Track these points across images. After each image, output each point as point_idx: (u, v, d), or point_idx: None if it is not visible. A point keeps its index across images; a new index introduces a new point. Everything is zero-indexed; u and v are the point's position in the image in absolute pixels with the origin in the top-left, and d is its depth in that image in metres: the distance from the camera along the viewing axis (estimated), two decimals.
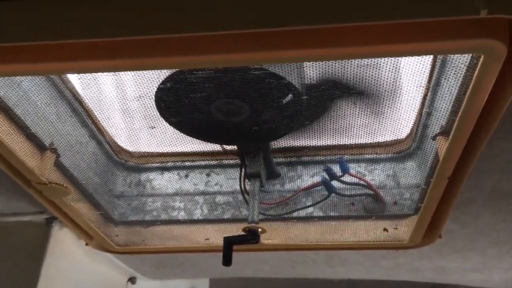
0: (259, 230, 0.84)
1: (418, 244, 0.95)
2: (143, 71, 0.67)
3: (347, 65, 0.67)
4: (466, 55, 0.54)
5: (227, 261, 0.80)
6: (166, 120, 0.75)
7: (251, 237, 0.83)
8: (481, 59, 0.50)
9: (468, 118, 0.59)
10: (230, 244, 0.81)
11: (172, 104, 0.70)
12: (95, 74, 0.72)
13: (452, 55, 0.61)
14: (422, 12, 0.46)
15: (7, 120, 0.67)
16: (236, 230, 0.92)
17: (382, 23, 0.48)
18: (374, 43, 0.49)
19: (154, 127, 0.78)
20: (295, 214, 0.94)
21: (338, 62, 0.66)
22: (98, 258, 1.31)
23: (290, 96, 0.68)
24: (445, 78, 0.67)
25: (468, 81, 0.56)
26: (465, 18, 0.46)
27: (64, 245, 1.16)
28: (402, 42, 0.49)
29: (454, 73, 0.61)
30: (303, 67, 0.69)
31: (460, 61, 0.58)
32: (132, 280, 1.59)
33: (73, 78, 0.76)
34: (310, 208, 0.93)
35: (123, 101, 0.80)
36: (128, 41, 0.49)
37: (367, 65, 0.68)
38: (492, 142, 0.65)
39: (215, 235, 0.99)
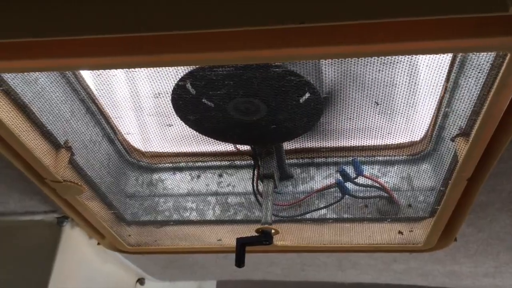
0: (272, 231, 0.83)
1: (433, 247, 0.94)
2: (160, 69, 0.67)
3: (365, 64, 0.67)
4: (491, 53, 0.53)
5: (240, 262, 0.80)
6: (182, 119, 0.75)
7: (264, 238, 0.82)
8: (508, 57, 0.49)
9: (491, 119, 0.58)
10: (243, 245, 0.81)
11: (190, 102, 0.70)
12: (109, 72, 0.72)
13: (473, 54, 0.60)
14: (448, 9, 0.45)
15: (23, 117, 0.67)
16: (248, 231, 0.91)
17: (406, 20, 0.47)
18: (398, 40, 0.48)
19: (172, 125, 0.78)
20: (308, 216, 0.93)
21: (356, 60, 0.65)
22: (108, 258, 1.31)
23: (307, 94, 0.67)
24: (464, 78, 0.66)
25: (492, 80, 0.55)
26: (493, 15, 0.45)
27: (75, 245, 1.16)
28: (427, 39, 0.48)
29: (476, 73, 0.60)
30: (321, 66, 0.68)
31: (482, 60, 0.57)
32: (141, 281, 1.59)
33: (87, 76, 0.76)
34: (323, 209, 0.92)
35: (137, 99, 0.80)
36: (149, 37, 0.48)
37: (385, 63, 0.67)
38: (510, 143, 0.64)
39: (228, 236, 0.99)
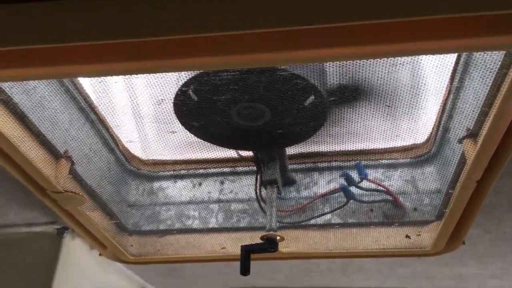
0: (278, 238, 0.82)
1: (441, 251, 0.93)
2: (160, 75, 0.65)
3: (369, 66, 0.66)
4: (499, 52, 0.52)
5: (245, 270, 0.78)
6: (185, 125, 0.74)
7: (269, 246, 0.81)
8: None
9: (501, 120, 0.57)
10: (247, 252, 0.79)
11: (193, 108, 0.69)
12: (109, 79, 0.71)
13: (478, 54, 0.59)
14: (457, 7, 0.44)
15: (22, 127, 0.65)
16: (252, 238, 0.90)
17: (413, 20, 0.46)
18: (405, 40, 0.47)
19: (175, 132, 0.77)
20: (312, 222, 0.92)
21: (360, 62, 0.64)
22: (109, 269, 1.30)
23: (312, 98, 0.66)
24: (469, 79, 0.65)
25: (501, 80, 0.53)
26: (503, 12, 0.44)
27: (76, 255, 1.15)
28: (434, 39, 0.47)
29: (482, 72, 0.59)
30: (325, 69, 0.67)
31: (489, 59, 0.56)
32: None
33: (87, 85, 0.75)
34: (328, 215, 0.91)
35: (136, 107, 0.79)
36: (151, 42, 0.47)
37: (390, 65, 0.66)
38: None
39: (231, 244, 0.97)
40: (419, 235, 0.90)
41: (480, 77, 0.60)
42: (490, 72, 0.57)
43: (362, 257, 0.99)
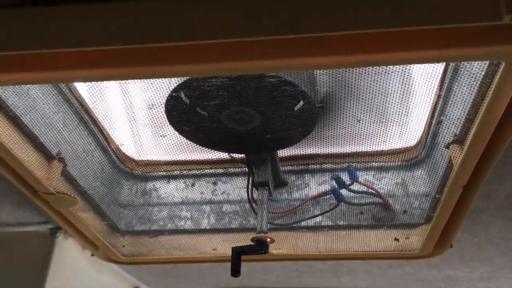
0: (268, 240, 0.83)
1: (429, 254, 0.94)
2: (153, 80, 0.66)
3: (359, 73, 0.67)
4: (485, 61, 0.53)
5: (235, 272, 0.79)
6: (176, 129, 0.74)
7: (260, 247, 0.81)
8: (502, 66, 0.49)
9: (486, 127, 0.58)
10: (238, 254, 0.80)
11: (184, 113, 0.69)
12: (103, 83, 0.72)
13: (467, 62, 0.60)
14: (442, 19, 0.45)
15: (15, 129, 0.66)
16: (243, 240, 0.91)
17: (400, 30, 0.47)
18: (391, 50, 0.48)
19: (165, 136, 0.77)
20: (303, 224, 0.92)
21: (350, 70, 0.65)
22: (102, 268, 1.30)
23: (301, 103, 0.67)
24: (458, 86, 0.66)
25: (486, 88, 0.55)
26: (487, 24, 0.45)
27: (69, 255, 1.15)
28: (421, 49, 0.48)
29: (469, 80, 0.60)
30: (315, 75, 0.68)
31: (476, 68, 0.57)
32: None
33: (80, 87, 0.76)
34: (318, 217, 0.92)
35: (130, 110, 0.79)
36: (142, 49, 0.48)
37: (380, 72, 0.67)
38: (504, 150, 0.64)
39: (223, 245, 0.98)
40: (407, 238, 0.91)
41: (468, 84, 0.61)
42: (476, 80, 0.58)
43: (352, 259, 1.00)
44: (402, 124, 0.80)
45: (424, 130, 0.81)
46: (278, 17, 0.47)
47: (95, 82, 0.70)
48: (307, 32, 0.47)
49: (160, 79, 0.64)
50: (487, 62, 0.53)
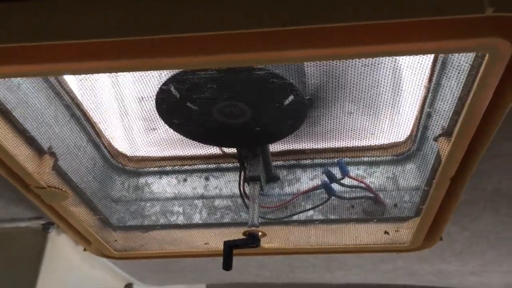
0: (260, 233, 0.83)
1: (419, 247, 0.94)
2: (143, 73, 0.67)
3: (348, 66, 0.67)
4: (470, 54, 0.54)
5: (227, 265, 0.80)
6: (166, 122, 0.75)
7: (251, 241, 0.82)
8: (486, 58, 0.50)
9: (472, 119, 0.58)
10: (230, 248, 0.81)
11: (174, 106, 0.70)
12: (93, 77, 0.72)
13: (454, 55, 0.61)
14: (426, 11, 0.45)
15: (6, 123, 0.66)
16: (235, 234, 0.91)
17: (386, 22, 0.47)
18: (378, 42, 0.49)
19: (156, 129, 0.78)
20: (295, 218, 0.93)
21: (339, 62, 0.66)
22: (95, 264, 1.30)
23: (291, 97, 0.67)
24: (446, 78, 0.67)
25: (472, 81, 0.55)
26: (470, 16, 0.45)
27: (61, 251, 1.15)
28: (406, 41, 0.49)
29: (456, 73, 0.61)
30: (304, 68, 0.69)
31: (463, 61, 0.58)
32: (129, 286, 1.58)
33: (71, 81, 0.76)
34: (310, 211, 0.93)
35: (121, 103, 0.80)
36: (131, 41, 0.48)
37: (368, 65, 0.68)
38: (493, 142, 0.65)
39: (215, 239, 0.99)
40: (397, 231, 0.91)
41: (456, 77, 0.62)
42: (463, 73, 0.58)
43: (343, 252, 1.01)
44: (393, 118, 0.81)
45: (414, 123, 0.82)
46: (266, 10, 0.47)
47: (85, 76, 0.70)
48: (295, 25, 0.47)
49: (151, 72, 0.65)
50: (473, 55, 0.54)
